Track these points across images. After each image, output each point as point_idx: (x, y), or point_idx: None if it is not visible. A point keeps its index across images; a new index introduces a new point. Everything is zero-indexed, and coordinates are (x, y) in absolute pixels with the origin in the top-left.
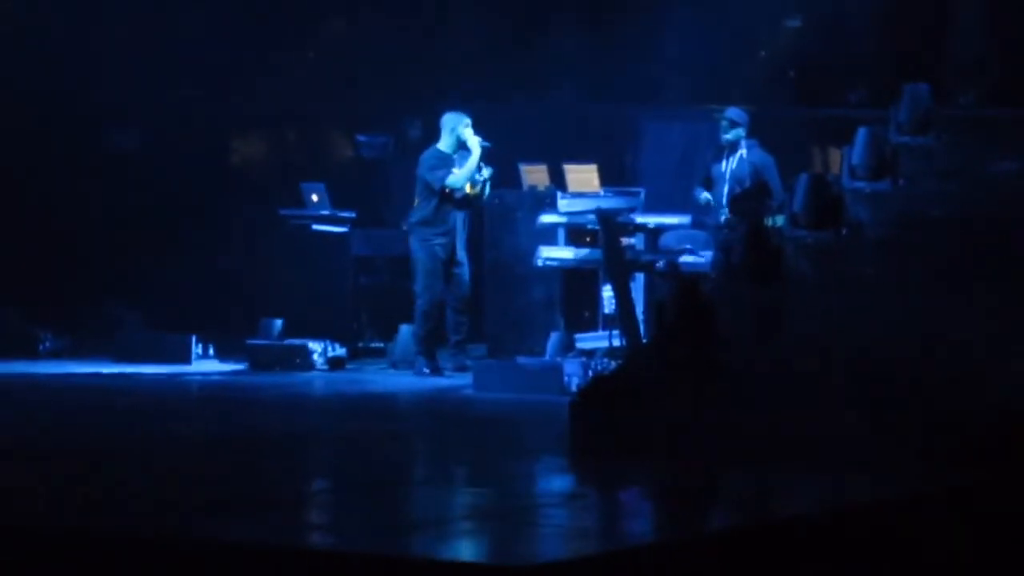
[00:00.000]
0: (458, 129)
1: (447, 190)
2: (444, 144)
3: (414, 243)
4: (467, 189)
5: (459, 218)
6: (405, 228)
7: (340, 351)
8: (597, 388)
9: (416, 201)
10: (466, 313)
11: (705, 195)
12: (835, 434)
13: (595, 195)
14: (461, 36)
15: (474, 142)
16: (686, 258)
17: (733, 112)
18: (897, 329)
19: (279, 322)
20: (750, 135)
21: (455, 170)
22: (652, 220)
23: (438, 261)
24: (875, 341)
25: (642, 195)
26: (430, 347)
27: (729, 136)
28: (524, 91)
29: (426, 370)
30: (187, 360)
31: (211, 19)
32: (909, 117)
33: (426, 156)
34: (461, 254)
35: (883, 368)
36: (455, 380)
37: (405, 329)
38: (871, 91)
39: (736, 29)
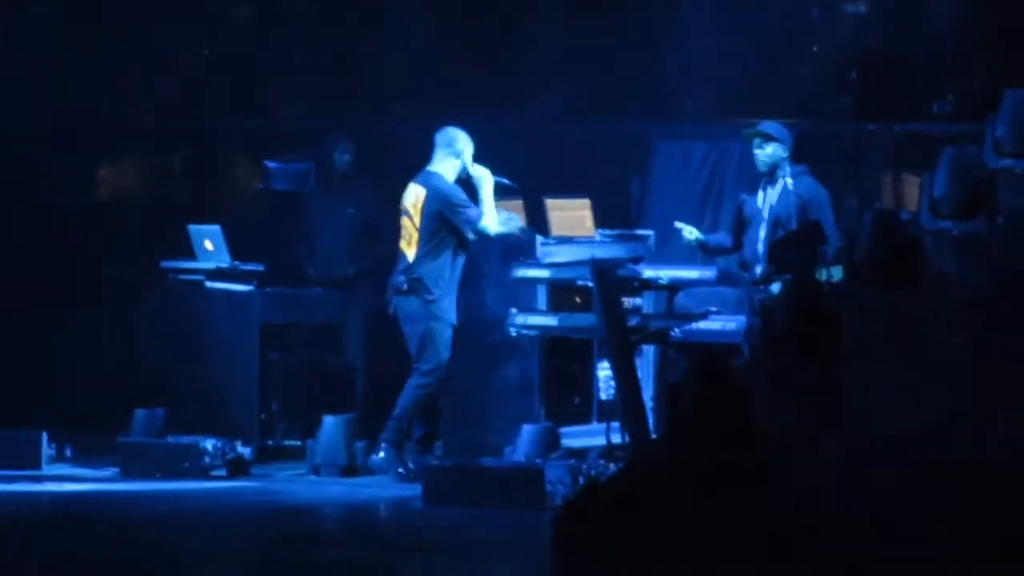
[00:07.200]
0: (465, 154)
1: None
2: (446, 169)
3: (415, 305)
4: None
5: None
6: (403, 285)
7: (243, 451)
8: (589, 500)
9: (419, 249)
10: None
11: (695, 235)
12: (913, 556)
13: (588, 240)
14: (409, 31)
15: (484, 173)
16: (710, 324)
17: (769, 126)
18: (992, 419)
19: (160, 413)
20: (796, 160)
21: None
22: (665, 274)
23: (451, 328)
24: (963, 436)
25: (651, 240)
26: (404, 439)
27: (765, 157)
28: (492, 103)
29: (401, 470)
30: (36, 464)
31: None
32: (1012, 133)
33: (444, 187)
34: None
35: (971, 472)
36: (398, 490)
37: (330, 421)
38: (960, 99)
39: (778, 17)
